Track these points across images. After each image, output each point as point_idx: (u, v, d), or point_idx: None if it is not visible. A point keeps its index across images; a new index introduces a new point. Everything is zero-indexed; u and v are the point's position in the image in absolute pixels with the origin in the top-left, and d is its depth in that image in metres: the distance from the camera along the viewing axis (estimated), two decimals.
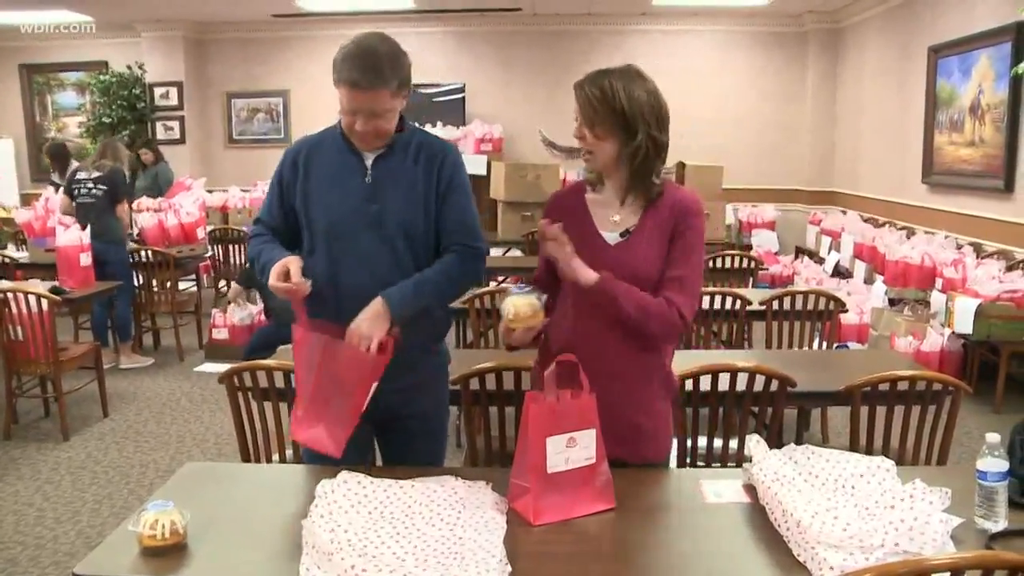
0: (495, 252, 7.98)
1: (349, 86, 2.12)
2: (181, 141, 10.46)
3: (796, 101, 10.10)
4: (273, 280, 2.12)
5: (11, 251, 7.14)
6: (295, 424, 2.24)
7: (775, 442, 3.01)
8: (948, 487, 1.82)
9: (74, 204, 6.29)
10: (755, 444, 2.09)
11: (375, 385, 2.14)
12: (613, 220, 2.19)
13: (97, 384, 5.34)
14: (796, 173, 10.19)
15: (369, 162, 2.28)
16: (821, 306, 4.35)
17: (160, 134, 10.40)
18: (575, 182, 2.36)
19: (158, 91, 10.44)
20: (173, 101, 10.46)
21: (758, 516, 1.92)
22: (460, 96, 10.13)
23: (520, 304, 2.05)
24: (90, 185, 6.23)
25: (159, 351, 7.03)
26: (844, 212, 9.19)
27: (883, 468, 2.00)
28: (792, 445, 2.12)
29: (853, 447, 2.88)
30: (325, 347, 2.16)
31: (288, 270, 2.12)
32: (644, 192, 2.16)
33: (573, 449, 1.91)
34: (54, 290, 5.06)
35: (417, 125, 2.40)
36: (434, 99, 10.12)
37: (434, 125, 9.77)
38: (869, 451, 2.88)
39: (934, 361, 5.49)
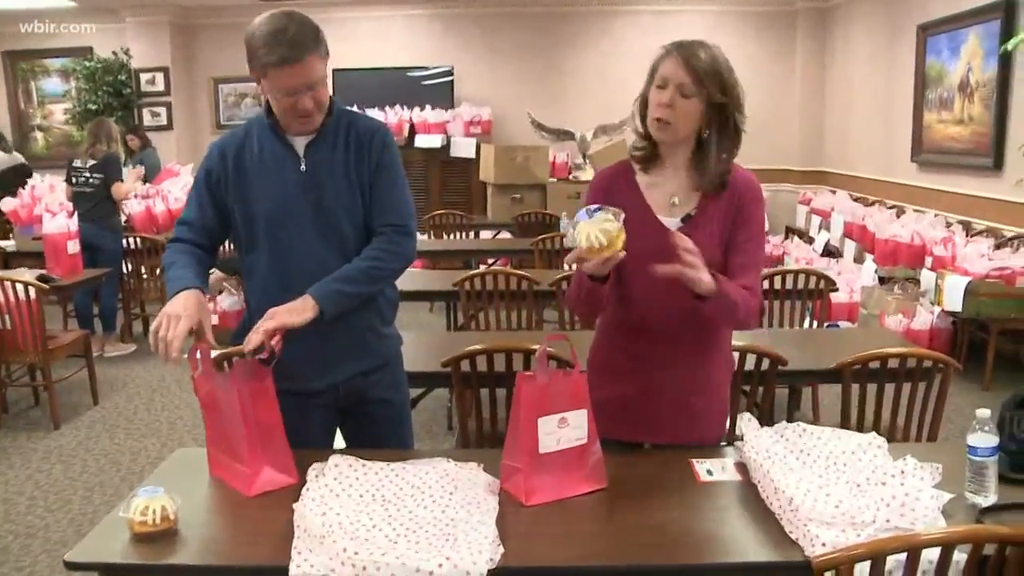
0: (485, 235, 7.97)
1: (281, 65, 2.03)
2: (168, 127, 10.38)
3: (785, 81, 10.08)
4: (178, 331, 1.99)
5: None
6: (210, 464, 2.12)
7: (766, 421, 3.03)
8: (939, 463, 1.83)
9: (71, 192, 6.29)
10: (746, 423, 2.09)
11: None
12: (672, 204, 2.10)
13: (87, 372, 5.32)
14: (785, 153, 10.17)
15: (301, 150, 2.20)
16: (812, 285, 4.35)
17: (147, 120, 10.31)
18: (619, 162, 2.20)
19: (144, 77, 10.35)
20: (159, 87, 10.37)
21: (750, 494, 1.92)
22: (448, 79, 10.08)
23: (595, 231, 1.82)
24: (87, 174, 6.22)
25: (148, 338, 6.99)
26: (834, 192, 9.20)
27: (874, 445, 2.00)
28: (784, 423, 2.12)
29: (844, 425, 2.89)
30: (222, 384, 2.04)
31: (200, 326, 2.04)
32: (717, 173, 2.07)
33: (565, 429, 1.91)
34: (41, 278, 5.03)
35: (347, 107, 2.30)
36: (422, 82, 10.08)
37: (422, 108, 9.74)
38: (860, 429, 2.89)
39: (924, 339, 5.51)
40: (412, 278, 5.24)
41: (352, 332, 2.25)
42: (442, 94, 10.03)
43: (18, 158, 8.92)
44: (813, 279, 4.37)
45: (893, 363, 2.86)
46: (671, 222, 2.10)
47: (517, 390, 1.89)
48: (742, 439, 2.07)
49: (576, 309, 2.24)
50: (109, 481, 4.16)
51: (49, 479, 4.19)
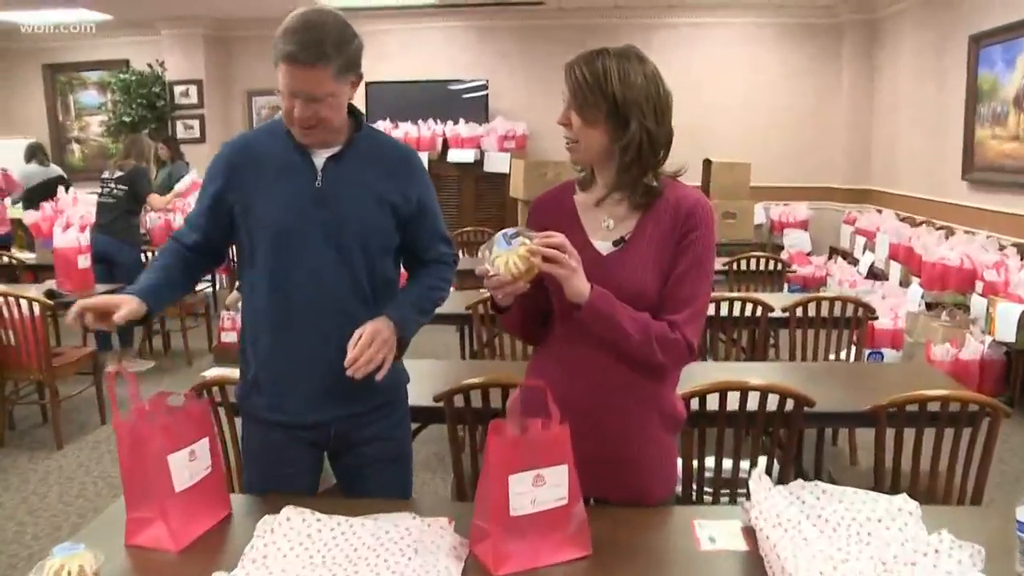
0: None
1: (286, 61, 1.86)
2: (201, 140, 10.32)
3: (830, 95, 9.73)
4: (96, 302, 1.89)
5: (16, 252, 7.03)
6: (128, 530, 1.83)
7: (792, 464, 2.76)
8: (984, 531, 1.56)
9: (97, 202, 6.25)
10: (756, 481, 1.82)
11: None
12: (605, 226, 1.91)
13: (95, 389, 5.18)
14: (830, 170, 9.81)
15: (320, 163, 2.02)
16: (849, 313, 4.04)
17: (180, 133, 10.27)
18: (564, 182, 2.05)
19: (178, 89, 10.32)
20: (193, 99, 10.33)
21: (757, 569, 1.65)
22: (483, 93, 9.90)
23: (513, 258, 1.70)
24: (111, 185, 6.19)
25: (168, 355, 6.87)
26: (880, 211, 8.81)
27: (905, 511, 1.73)
28: (800, 482, 1.85)
29: (878, 475, 2.60)
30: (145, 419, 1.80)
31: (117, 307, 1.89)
32: (635, 193, 1.88)
33: (541, 488, 1.66)
34: (49, 293, 4.90)
35: (374, 126, 2.14)
36: (459, 96, 9.91)
37: (456, 122, 9.56)
38: (895, 479, 2.60)
39: (974, 370, 5.16)
40: None
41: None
42: (476, 108, 9.85)
43: (56, 171, 8.91)
44: (851, 307, 4.05)
45: (934, 406, 2.56)
46: (604, 246, 1.90)
47: (487, 442, 1.65)
48: (749, 498, 1.81)
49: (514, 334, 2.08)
50: (103, 507, 3.99)
51: (44, 503, 4.03)
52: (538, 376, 1.90)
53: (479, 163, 9.47)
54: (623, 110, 1.81)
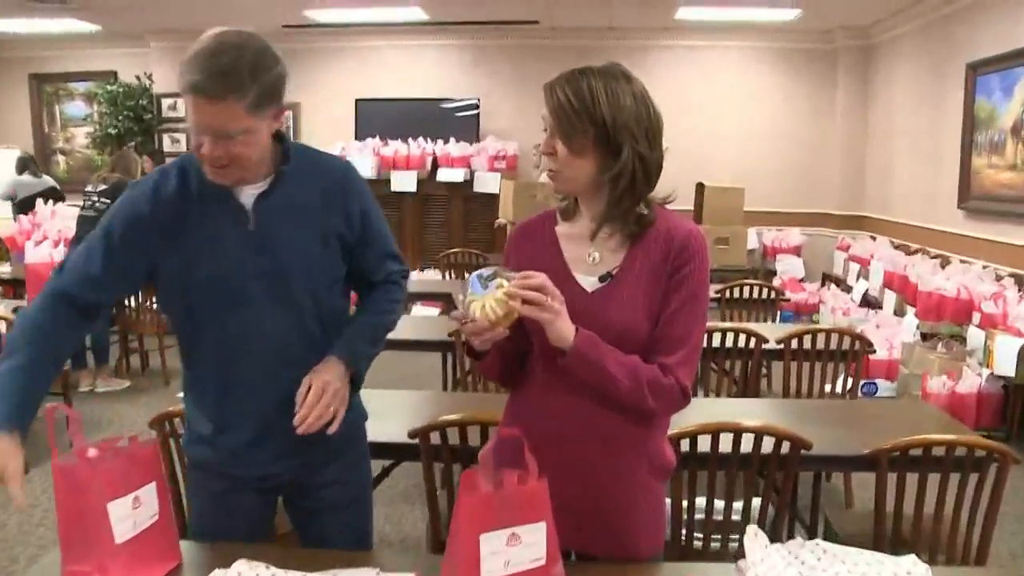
0: None
1: (191, 93, 1.62)
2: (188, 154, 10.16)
3: (825, 120, 9.64)
4: None
5: None
6: None
7: (787, 508, 2.61)
8: None
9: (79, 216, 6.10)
10: (752, 539, 1.67)
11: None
12: (591, 260, 1.76)
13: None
14: (824, 196, 9.71)
15: (248, 203, 1.80)
16: (846, 346, 3.90)
17: (167, 146, 10.13)
18: (545, 211, 1.88)
19: (165, 102, 10.17)
20: (180, 112, 10.16)
21: None
22: (474, 112, 9.78)
23: (491, 302, 1.57)
24: (94, 198, 6.03)
25: (146, 374, 6.69)
26: (874, 238, 8.71)
27: None
28: (799, 540, 1.70)
29: (878, 521, 2.46)
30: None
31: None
32: (627, 224, 1.73)
33: (516, 548, 1.50)
34: (17, 311, 4.74)
35: (300, 142, 1.94)
36: (451, 114, 9.79)
37: (446, 141, 9.44)
38: (897, 525, 2.46)
39: (970, 404, 5.03)
40: (413, 324, 4.89)
41: None
42: (467, 127, 9.73)
43: (48, 182, 8.80)
44: (848, 339, 3.91)
45: (939, 450, 2.42)
46: (589, 282, 1.75)
47: (457, 497, 1.50)
48: (743, 558, 1.66)
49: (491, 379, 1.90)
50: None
51: (2, 532, 3.84)
52: (515, 422, 1.74)
53: (469, 183, 9.33)
54: (613, 135, 1.66)
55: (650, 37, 9.67)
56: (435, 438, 2.49)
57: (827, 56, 9.61)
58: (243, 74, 1.62)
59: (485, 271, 1.59)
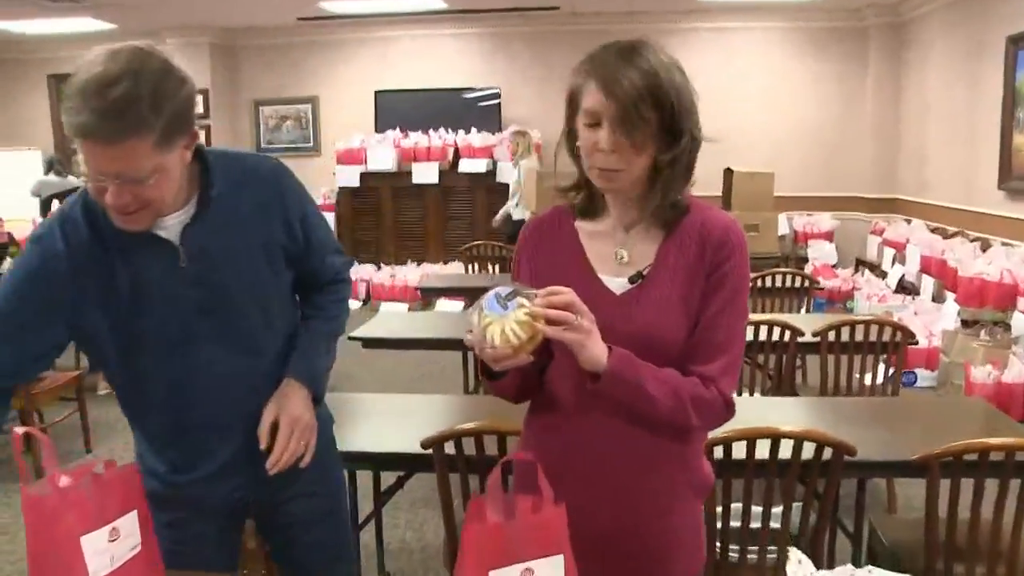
0: None
1: (82, 136, 1.38)
2: None
3: (855, 101, 9.36)
4: None
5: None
6: None
7: (829, 518, 2.43)
8: None
9: None
10: (795, 566, 1.50)
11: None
12: (618, 259, 1.56)
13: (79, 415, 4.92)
14: (856, 179, 9.44)
15: (174, 236, 1.59)
16: (886, 337, 3.69)
17: None
18: (555, 207, 1.68)
19: None
20: (199, 109, 10.07)
21: None
22: (495, 102, 9.61)
23: (511, 325, 1.35)
24: None
25: None
26: (908, 221, 8.43)
27: None
28: (849, 567, 1.52)
29: (930, 533, 2.27)
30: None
31: None
32: (664, 215, 1.54)
33: None
34: None
35: (223, 148, 1.75)
36: (475, 103, 9.63)
37: (468, 131, 9.28)
38: (951, 535, 2.27)
39: (1018, 394, 4.79)
40: (434, 321, 4.74)
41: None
42: (489, 117, 9.57)
43: (72, 182, 8.80)
44: (888, 330, 3.70)
45: (997, 454, 2.22)
46: (617, 283, 1.55)
47: (463, 526, 1.34)
48: None
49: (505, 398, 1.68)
50: None
51: (13, 544, 3.75)
52: (536, 446, 1.57)
53: (491, 173, 9.17)
54: (676, 119, 1.45)
55: (673, 20, 9.43)
56: (450, 448, 2.33)
57: (857, 35, 9.32)
58: (143, 108, 1.37)
59: (503, 289, 1.39)
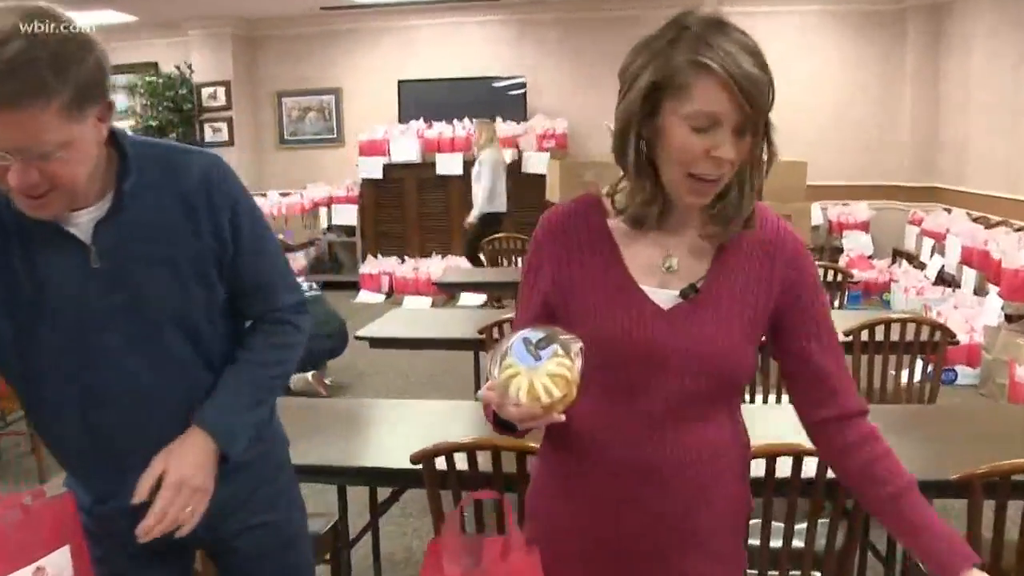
0: None
1: None
2: (230, 143, 9.94)
3: (893, 86, 9.02)
4: None
5: None
6: None
7: (858, 539, 2.22)
8: None
9: None
10: None
11: None
12: (665, 268, 1.33)
13: None
14: (893, 167, 9.10)
15: (86, 233, 1.40)
16: (924, 336, 3.45)
17: (208, 136, 9.95)
18: (582, 197, 1.41)
19: (205, 91, 9.98)
20: (221, 101, 9.98)
21: None
22: (522, 91, 9.41)
23: (544, 380, 1.13)
24: None
25: None
26: (949, 211, 8.10)
27: None
28: None
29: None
30: None
31: None
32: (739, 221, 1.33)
33: None
34: None
35: (145, 138, 1.53)
36: (504, 92, 9.42)
37: (493, 120, 9.07)
38: (995, 560, 2.04)
39: None
40: (446, 318, 4.55)
41: None
42: (515, 106, 9.37)
43: None
44: (926, 330, 3.45)
45: None
46: (664, 297, 1.31)
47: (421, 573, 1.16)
48: None
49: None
50: None
51: None
52: (554, 473, 1.38)
53: (517, 164, 8.96)
54: (766, 114, 1.26)
55: (704, 5, 9.14)
56: (441, 463, 2.15)
57: (894, 17, 8.98)
58: (41, 70, 1.20)
59: (533, 333, 1.17)
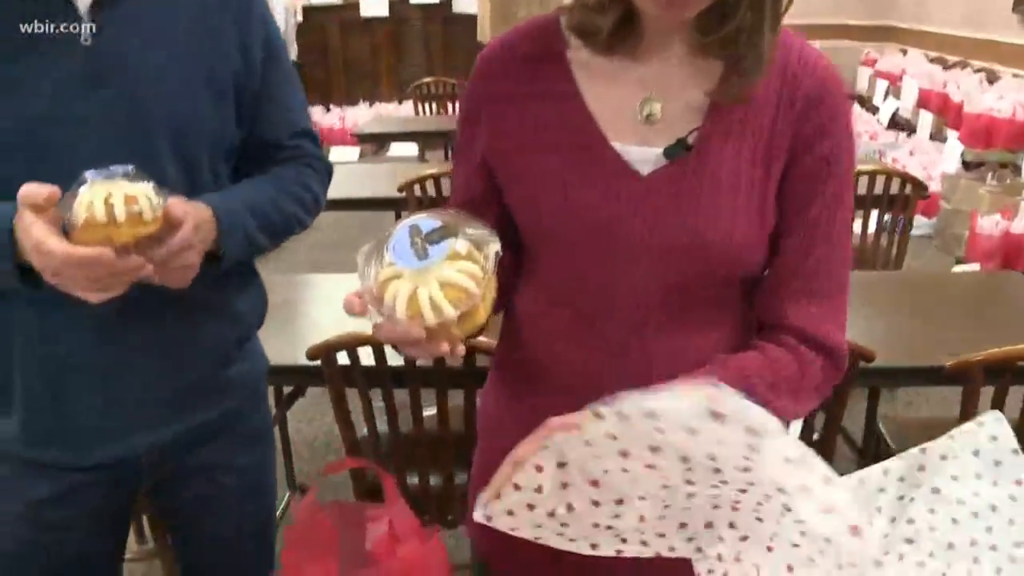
0: None
1: None
2: None
3: None
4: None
5: None
6: None
7: (837, 432, 1.94)
8: None
9: None
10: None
11: None
12: (644, 115, 0.94)
13: None
14: (844, 4, 8.65)
15: (83, 6, 1.04)
16: (894, 190, 3.13)
17: None
18: (537, 19, 1.00)
19: None
20: None
21: None
22: None
23: (434, 291, 0.78)
24: None
25: None
26: (904, 51, 7.73)
27: None
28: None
29: None
30: None
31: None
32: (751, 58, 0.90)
33: None
34: None
35: None
36: None
37: None
38: None
39: None
40: (373, 172, 4.13)
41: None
42: None
43: None
44: (896, 183, 3.13)
45: None
46: (643, 156, 0.93)
47: None
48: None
49: None
50: None
51: None
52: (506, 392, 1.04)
53: (447, 4, 8.32)
54: None
55: None
56: (343, 358, 1.79)
57: None
58: None
59: (423, 221, 0.81)
